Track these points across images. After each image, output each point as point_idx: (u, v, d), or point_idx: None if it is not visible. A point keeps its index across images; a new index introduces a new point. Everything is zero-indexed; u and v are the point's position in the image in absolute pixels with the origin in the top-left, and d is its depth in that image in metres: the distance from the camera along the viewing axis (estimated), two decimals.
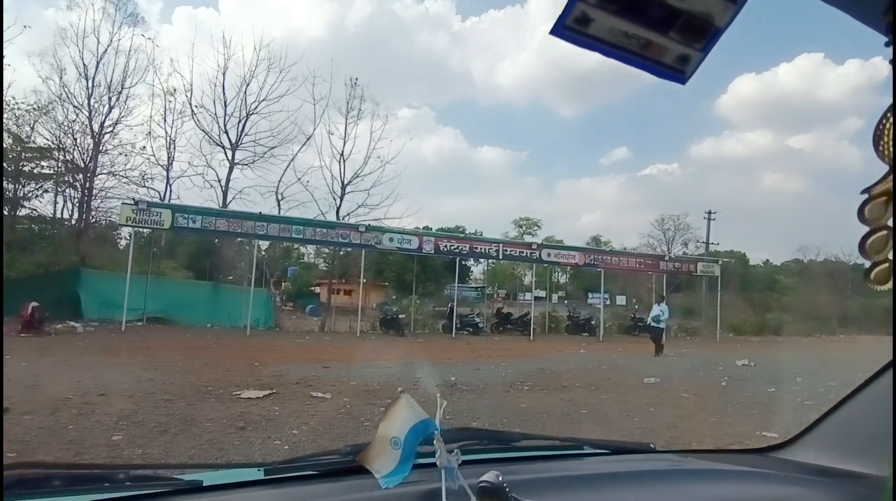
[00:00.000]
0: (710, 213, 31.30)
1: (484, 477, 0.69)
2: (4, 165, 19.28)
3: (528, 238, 33.16)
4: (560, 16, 0.38)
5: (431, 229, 28.77)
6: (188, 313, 16.34)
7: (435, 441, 0.77)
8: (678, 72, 0.43)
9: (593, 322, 20.37)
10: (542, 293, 27.55)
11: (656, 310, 13.58)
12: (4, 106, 18.76)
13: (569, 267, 26.32)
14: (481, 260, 24.33)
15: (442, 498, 0.75)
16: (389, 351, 11.92)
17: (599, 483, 0.87)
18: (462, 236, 21.27)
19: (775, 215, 52.68)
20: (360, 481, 0.82)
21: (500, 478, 0.70)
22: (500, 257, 19.60)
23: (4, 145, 19.22)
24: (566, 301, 30.06)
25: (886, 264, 0.42)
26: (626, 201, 59.12)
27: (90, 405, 5.06)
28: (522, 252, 19.51)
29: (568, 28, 0.38)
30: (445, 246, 18.07)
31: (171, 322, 15.58)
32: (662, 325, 13.46)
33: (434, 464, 0.76)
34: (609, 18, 0.38)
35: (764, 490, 0.93)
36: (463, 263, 23.73)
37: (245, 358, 9.04)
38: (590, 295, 28.56)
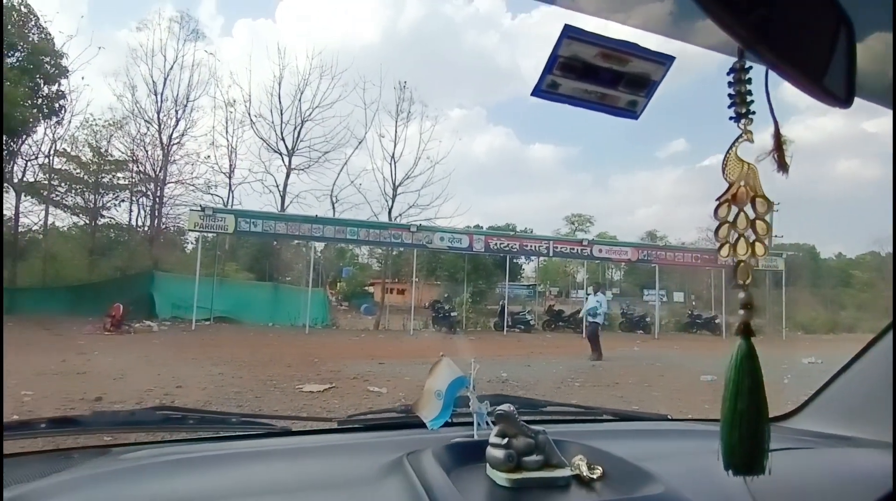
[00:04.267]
0: (774, 204, 29.76)
1: (499, 407, 0.86)
2: (85, 177, 21.03)
3: (579, 235, 32.64)
4: (536, 84, 0.53)
5: (482, 227, 28.87)
6: (251, 312, 17.25)
7: (469, 392, 0.99)
8: (630, 111, 0.58)
9: (648, 319, 19.90)
10: None
11: (591, 302, 11.31)
12: (84, 123, 20.45)
13: (622, 264, 25.77)
14: (532, 258, 24.24)
15: (473, 434, 0.97)
16: (442, 348, 12.15)
17: (613, 437, 1.02)
18: (512, 233, 21.29)
19: (849, 205, 49.21)
20: (414, 430, 1.04)
21: (512, 408, 0.86)
22: (551, 254, 19.49)
23: (85, 159, 20.96)
24: (621, 299, 29.41)
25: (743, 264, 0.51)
26: (683, 194, 56.88)
27: (170, 396, 5.54)
28: (573, 249, 19.32)
29: (543, 91, 0.54)
30: (496, 244, 18.17)
31: (235, 321, 16.50)
32: (599, 319, 11.21)
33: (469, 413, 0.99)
34: (571, 83, 0.53)
35: (704, 445, 1.06)
36: (514, 261, 23.67)
37: (305, 355, 9.51)
38: (645, 292, 27.80)
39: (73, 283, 17.99)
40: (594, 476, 0.82)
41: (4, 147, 13.60)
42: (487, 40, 54.81)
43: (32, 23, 14.54)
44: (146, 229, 22.23)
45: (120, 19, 53.30)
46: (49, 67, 14.56)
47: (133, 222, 22.62)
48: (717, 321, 19.93)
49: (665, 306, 23.08)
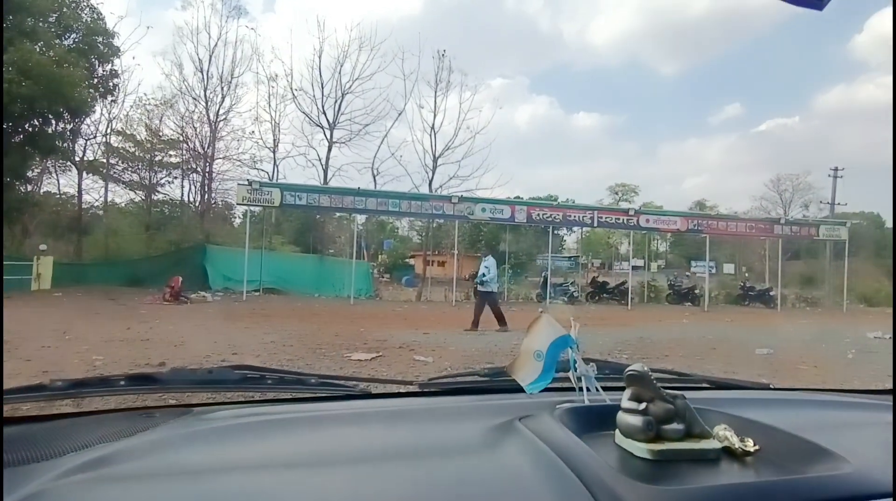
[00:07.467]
0: (836, 170, 28.03)
1: (632, 366, 0.75)
2: (140, 154, 21.84)
3: (623, 205, 31.79)
4: None
5: (523, 198, 28.51)
6: (297, 283, 17.76)
7: (574, 353, 0.89)
8: (816, 2, 0.52)
9: (697, 291, 19.32)
10: (640, 262, 26.43)
11: (481, 268, 10.33)
12: (137, 102, 21.14)
13: (669, 234, 24.97)
14: (575, 229, 23.77)
15: (584, 399, 0.87)
16: (484, 319, 12.15)
17: (730, 406, 0.87)
18: (555, 204, 20.90)
19: None
20: (503, 395, 0.97)
21: (646, 368, 0.75)
22: (595, 224, 19.06)
23: (140, 138, 21.75)
24: (666, 270, 28.63)
25: None
26: (736, 162, 54.57)
27: (227, 362, 5.76)
28: (619, 219, 18.83)
29: None
30: (538, 215, 17.89)
31: (283, 292, 17.03)
32: (490, 287, 10.19)
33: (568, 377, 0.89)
34: None
35: (877, 417, 0.93)
36: (556, 232, 23.35)
37: (351, 324, 9.71)
38: (693, 263, 26.92)
39: (132, 256, 18.95)
40: (748, 449, 0.69)
41: (66, 126, 14.21)
42: (530, 6, 52.97)
43: (85, 3, 14.96)
44: (197, 204, 23.05)
45: None
46: (102, 48, 15.00)
47: (185, 198, 23.52)
48: (771, 293, 19.17)
49: (714, 278, 22.31)
